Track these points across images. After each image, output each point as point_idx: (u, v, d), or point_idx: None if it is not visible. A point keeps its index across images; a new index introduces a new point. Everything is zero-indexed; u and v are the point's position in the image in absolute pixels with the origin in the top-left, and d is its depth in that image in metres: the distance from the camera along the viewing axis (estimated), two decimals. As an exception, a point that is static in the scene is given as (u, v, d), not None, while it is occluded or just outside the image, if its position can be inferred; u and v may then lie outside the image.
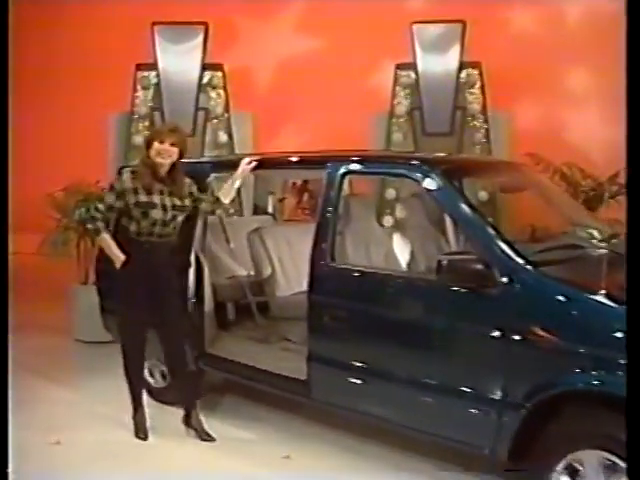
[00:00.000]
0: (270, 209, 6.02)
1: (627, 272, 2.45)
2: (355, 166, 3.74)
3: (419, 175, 3.36)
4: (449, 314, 3.12)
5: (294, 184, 8.70)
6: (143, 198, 3.84)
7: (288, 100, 9.67)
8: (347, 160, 3.76)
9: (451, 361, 3.15)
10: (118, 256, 3.88)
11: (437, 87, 7.59)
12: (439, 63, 7.64)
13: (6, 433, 2.77)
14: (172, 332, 4.06)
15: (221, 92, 7.63)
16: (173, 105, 7.48)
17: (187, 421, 4.14)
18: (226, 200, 4.17)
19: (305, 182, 8.78)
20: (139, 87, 7.58)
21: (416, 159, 3.53)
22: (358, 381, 3.49)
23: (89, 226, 3.89)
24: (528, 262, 2.95)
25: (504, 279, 2.91)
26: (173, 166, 3.89)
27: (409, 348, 3.33)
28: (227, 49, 8.90)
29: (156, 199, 3.86)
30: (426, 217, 4.96)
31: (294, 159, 4.13)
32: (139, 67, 7.61)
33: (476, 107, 7.59)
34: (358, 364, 3.49)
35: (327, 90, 9.37)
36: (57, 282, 6.80)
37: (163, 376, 4.63)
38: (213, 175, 4.37)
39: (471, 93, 7.62)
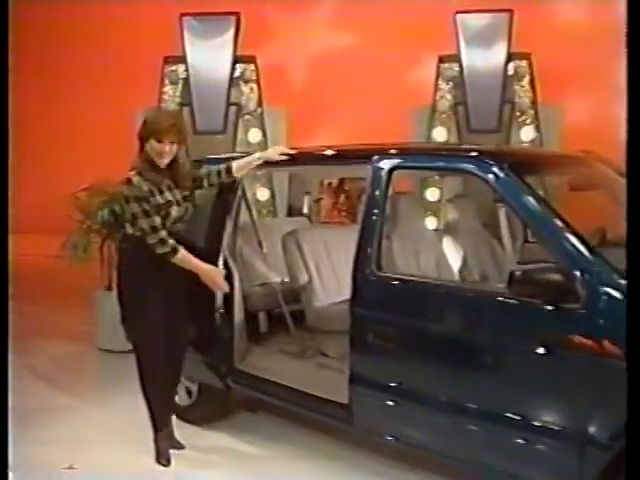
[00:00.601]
0: (306, 210, 5.59)
1: (627, 272, 2.22)
2: (405, 160, 3.28)
3: (483, 170, 2.88)
4: (521, 332, 2.65)
5: (330, 184, 8.27)
6: (160, 199, 3.49)
7: (323, 96, 9.24)
8: (396, 153, 3.30)
9: (524, 389, 2.67)
10: (217, 270, 3.71)
11: (483, 80, 7.07)
12: (485, 55, 7.11)
13: (6, 433, 2.58)
14: (172, 341, 3.68)
15: (254, 86, 7.21)
16: (203, 100, 7.10)
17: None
18: (237, 173, 3.75)
19: (341, 182, 8.35)
20: (167, 82, 7.21)
21: (478, 151, 3.04)
22: (409, 408, 3.03)
23: (161, 250, 3.45)
24: (616, 272, 2.47)
25: (590, 292, 2.43)
26: (174, 161, 3.58)
27: (470, 371, 2.87)
28: (260, 44, 8.49)
29: (170, 196, 3.53)
30: (477, 219, 4.50)
31: (334, 153, 3.67)
32: (167, 60, 7.24)
33: (525, 101, 7.07)
34: (409, 388, 3.03)
35: (365, 86, 8.93)
36: (81, 286, 6.45)
37: (188, 393, 4.23)
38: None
39: (520, 86, 7.09)
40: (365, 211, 3.27)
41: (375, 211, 3.21)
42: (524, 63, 7.10)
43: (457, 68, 7.13)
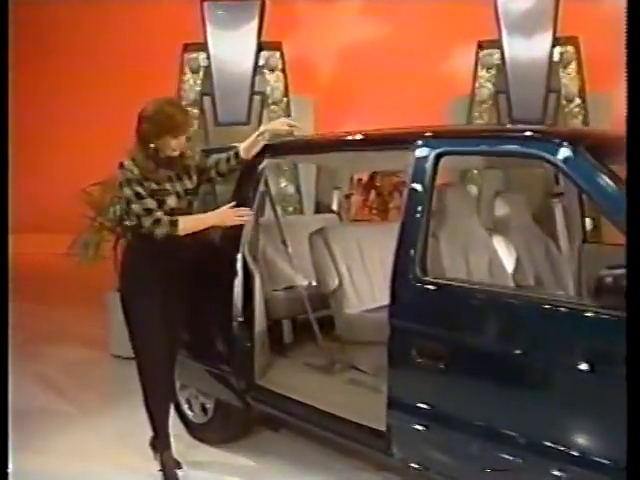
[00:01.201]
0: (335, 207, 5.11)
1: (628, 270, 1.88)
2: (456, 144, 2.78)
3: (554, 153, 2.36)
4: (609, 353, 2.14)
5: (359, 180, 7.76)
6: (154, 186, 3.14)
7: (353, 85, 8.75)
8: (444, 136, 2.80)
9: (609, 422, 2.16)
10: (227, 209, 3.27)
11: (526, 67, 6.51)
12: (528, 40, 6.56)
13: (6, 434, 2.41)
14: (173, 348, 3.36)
15: (279, 74, 6.76)
16: (225, 89, 6.66)
17: (154, 443, 3.39)
18: (247, 155, 3.36)
19: (372, 178, 7.83)
20: (187, 70, 6.78)
21: (547, 133, 2.53)
22: (459, 439, 2.54)
23: (159, 231, 3.10)
24: None
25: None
26: None
27: (536, 396, 2.36)
28: (286, 31, 8.03)
29: (168, 186, 3.19)
30: (529, 215, 3.99)
31: (367, 138, 3.18)
32: (187, 48, 6.81)
33: (572, 89, 6.51)
34: (460, 415, 2.53)
35: (397, 74, 8.42)
36: (94, 286, 6.04)
37: (203, 409, 3.78)
38: (267, 161, 3.46)
39: (566, 73, 6.54)
40: (407, 206, 2.77)
41: (419, 206, 2.72)
42: (571, 48, 6.55)
43: (498, 55, 6.60)
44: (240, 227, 3.37)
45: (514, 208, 3.85)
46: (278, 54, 6.79)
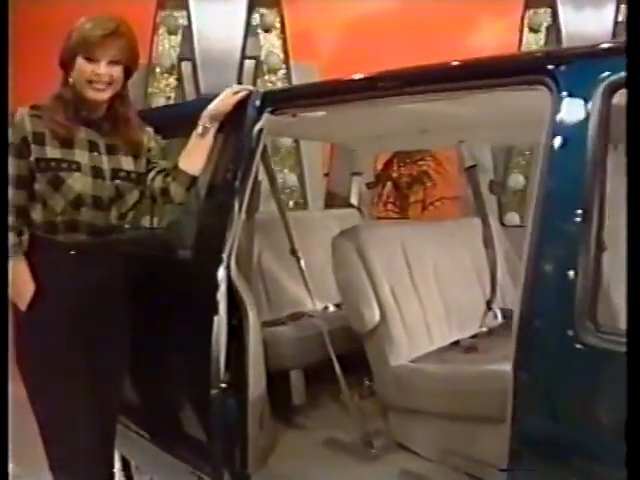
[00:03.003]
0: (354, 199, 3.78)
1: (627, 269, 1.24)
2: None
3: None
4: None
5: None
6: (53, 152, 1.91)
7: (366, 53, 7.36)
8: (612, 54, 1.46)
9: None
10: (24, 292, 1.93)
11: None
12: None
13: (6, 434, 1.91)
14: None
15: (277, 36, 5.42)
16: (209, 53, 5.30)
17: None
18: (191, 169, 2.09)
19: (387, 165, 6.47)
20: (162, 30, 5.40)
21: None
22: None
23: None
24: None
25: None
26: (116, 99, 2.01)
27: None
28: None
29: (81, 156, 1.94)
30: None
31: (446, 73, 1.82)
32: (162, 4, 5.43)
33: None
34: None
35: (414, 44, 7.06)
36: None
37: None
38: (266, 119, 2.12)
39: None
40: (545, 192, 1.44)
41: (576, 192, 1.38)
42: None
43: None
44: (221, 225, 2.04)
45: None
46: (275, 11, 5.44)
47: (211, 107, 2.13)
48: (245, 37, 5.36)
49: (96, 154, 1.94)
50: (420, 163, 6.20)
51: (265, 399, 2.19)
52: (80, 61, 1.88)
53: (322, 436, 2.40)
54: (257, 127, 2.11)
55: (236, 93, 2.17)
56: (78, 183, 1.89)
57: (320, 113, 2.84)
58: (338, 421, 2.46)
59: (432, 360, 2.32)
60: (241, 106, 2.13)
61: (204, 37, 5.34)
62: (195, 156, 2.08)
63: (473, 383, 2.07)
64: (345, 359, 2.43)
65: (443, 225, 2.86)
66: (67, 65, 1.92)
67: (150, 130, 2.11)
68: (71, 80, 1.91)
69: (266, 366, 2.22)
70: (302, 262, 2.58)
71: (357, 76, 1.97)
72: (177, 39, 5.39)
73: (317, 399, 2.63)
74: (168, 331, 2.15)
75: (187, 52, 5.34)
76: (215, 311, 1.99)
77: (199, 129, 2.09)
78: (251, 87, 2.23)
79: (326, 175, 4.19)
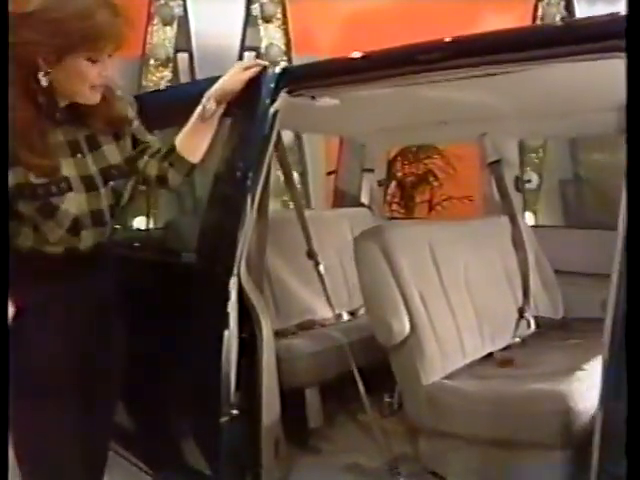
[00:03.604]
0: (365, 198, 3.52)
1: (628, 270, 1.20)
2: None
3: None
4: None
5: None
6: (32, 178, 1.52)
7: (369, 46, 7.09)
8: None
9: None
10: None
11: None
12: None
13: (6, 433, 1.51)
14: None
15: (279, 27, 5.14)
16: (206, 45, 5.01)
17: None
18: (191, 156, 1.77)
19: (391, 164, 6.19)
20: (157, 21, 5.11)
21: None
22: None
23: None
24: None
25: None
26: None
27: None
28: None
29: (67, 167, 1.57)
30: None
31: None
32: (156, -7, 5.14)
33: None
34: None
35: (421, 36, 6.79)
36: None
37: None
38: (283, 99, 1.84)
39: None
40: None
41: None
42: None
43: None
44: (230, 225, 1.76)
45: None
46: (277, 1, 5.17)
47: (217, 85, 1.81)
48: (244, 28, 5.09)
49: (80, 157, 1.59)
50: (426, 162, 5.94)
51: (279, 423, 1.91)
52: (80, 62, 1.49)
53: (342, 461, 2.13)
54: (272, 110, 1.82)
55: (248, 68, 1.85)
56: (73, 205, 1.54)
57: (334, 101, 2.58)
58: (359, 444, 2.19)
59: (465, 376, 2.05)
60: (253, 85, 1.84)
61: (201, 28, 5.07)
62: (196, 140, 1.77)
63: (521, 405, 1.81)
64: (361, 374, 2.16)
65: (471, 224, 2.59)
66: (39, 64, 1.48)
67: (127, 97, 1.77)
68: (45, 83, 1.50)
69: (279, 385, 1.95)
70: (321, 266, 2.30)
71: (394, 48, 1.69)
72: (172, 30, 5.10)
73: (335, 419, 2.35)
74: (169, 348, 1.86)
75: (183, 44, 5.06)
76: (225, 325, 1.70)
77: (201, 110, 1.77)
78: (265, 62, 1.92)
79: (329, 174, 3.92)
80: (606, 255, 2.79)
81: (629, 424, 1.11)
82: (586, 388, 1.79)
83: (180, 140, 1.76)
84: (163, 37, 5.10)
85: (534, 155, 5.13)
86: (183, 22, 5.08)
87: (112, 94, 1.66)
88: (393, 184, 6.40)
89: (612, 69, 1.30)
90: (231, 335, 1.71)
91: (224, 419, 1.70)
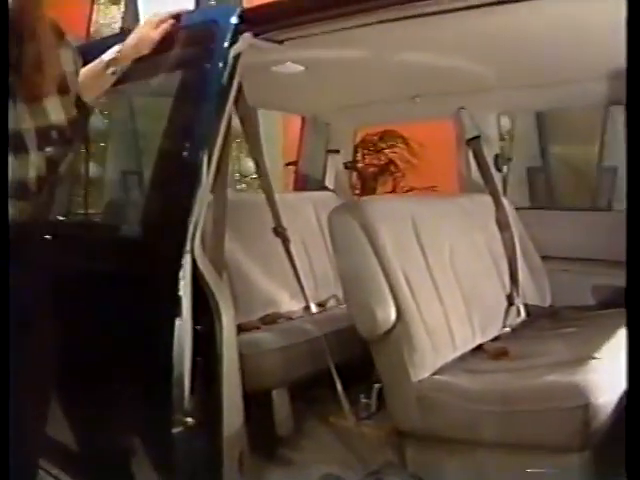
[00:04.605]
0: (330, 181, 3.25)
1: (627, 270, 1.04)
2: None
3: None
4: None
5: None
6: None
7: None
8: None
9: None
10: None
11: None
12: None
13: (6, 433, 1.32)
14: None
15: None
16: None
17: None
18: (87, 93, 1.50)
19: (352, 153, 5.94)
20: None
21: None
22: None
23: None
24: None
25: None
26: None
27: None
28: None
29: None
30: None
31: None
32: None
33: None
34: None
35: None
36: None
37: None
38: (246, 41, 1.54)
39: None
40: None
41: None
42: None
43: None
44: (180, 191, 1.44)
45: None
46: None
47: (125, 45, 1.56)
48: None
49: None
50: (387, 151, 5.71)
51: (243, 432, 1.60)
52: None
53: (316, 473, 1.82)
54: (231, 54, 1.51)
55: (160, 24, 1.59)
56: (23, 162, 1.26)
57: (298, 67, 2.32)
58: (335, 453, 1.89)
59: (457, 371, 1.78)
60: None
61: (150, 8, 4.73)
62: (91, 82, 1.53)
63: (530, 401, 1.53)
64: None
65: (455, 200, 2.33)
66: None
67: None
68: None
69: (243, 387, 1.63)
70: (291, 244, 2.00)
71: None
72: (119, 9, 4.76)
73: (307, 425, 2.04)
74: (108, 345, 1.53)
75: (133, 22, 4.72)
76: (176, 311, 1.38)
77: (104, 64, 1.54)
78: (184, 9, 1.62)
79: (288, 165, 3.64)
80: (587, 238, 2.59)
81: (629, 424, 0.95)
82: (603, 380, 1.54)
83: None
84: (110, 15, 4.75)
85: (501, 143, 4.94)
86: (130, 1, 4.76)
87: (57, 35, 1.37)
88: (354, 175, 6.16)
89: (603, 31, 1.06)
90: (184, 326, 1.39)
91: (177, 430, 1.38)
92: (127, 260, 1.56)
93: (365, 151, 5.82)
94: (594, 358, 1.65)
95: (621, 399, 1.52)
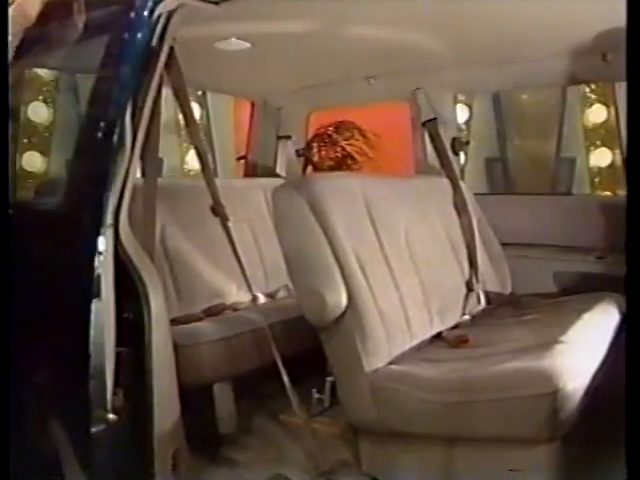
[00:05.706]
0: (281, 169, 3.11)
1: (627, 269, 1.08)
2: None
3: None
4: None
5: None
6: None
7: None
8: None
9: None
10: None
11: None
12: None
13: (7, 434, 1.31)
14: None
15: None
16: None
17: None
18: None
19: (308, 146, 5.81)
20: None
21: None
22: None
23: None
24: None
25: None
26: None
27: None
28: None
29: None
30: None
31: None
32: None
33: None
34: None
35: None
36: None
37: None
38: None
39: None
40: None
41: None
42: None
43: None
44: (101, 159, 1.28)
45: None
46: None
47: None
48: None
49: None
50: (343, 144, 5.59)
51: (180, 430, 1.43)
52: None
53: (263, 474, 1.67)
54: (157, 12, 1.35)
55: None
56: None
57: (245, 44, 2.19)
58: (284, 452, 1.74)
59: (415, 360, 1.64)
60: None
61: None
62: None
63: (493, 390, 1.40)
64: (284, 364, 1.71)
65: (411, 182, 2.20)
66: None
67: None
68: None
69: (178, 380, 1.47)
70: (230, 224, 1.84)
71: None
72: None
73: (252, 422, 1.88)
74: (20, 324, 1.34)
75: None
76: (93, 291, 1.21)
77: None
78: None
79: (239, 159, 3.49)
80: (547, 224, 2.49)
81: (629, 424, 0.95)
82: (571, 364, 1.42)
83: None
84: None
85: (459, 133, 4.86)
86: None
87: None
88: (309, 169, 6.02)
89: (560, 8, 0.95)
90: (104, 309, 1.22)
91: (98, 428, 1.21)
92: (46, 233, 1.38)
93: (321, 144, 5.68)
94: (560, 342, 1.53)
95: (590, 385, 1.41)
